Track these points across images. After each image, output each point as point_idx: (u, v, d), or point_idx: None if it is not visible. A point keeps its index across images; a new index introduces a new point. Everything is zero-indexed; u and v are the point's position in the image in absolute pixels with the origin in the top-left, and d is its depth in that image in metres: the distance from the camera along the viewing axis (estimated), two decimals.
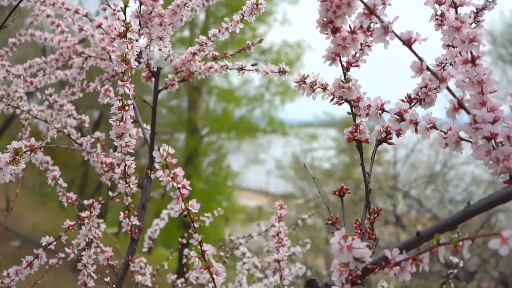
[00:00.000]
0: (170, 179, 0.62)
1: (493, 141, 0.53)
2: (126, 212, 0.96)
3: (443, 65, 0.70)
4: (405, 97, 0.70)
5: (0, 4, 1.21)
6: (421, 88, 0.69)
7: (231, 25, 0.92)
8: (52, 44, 1.25)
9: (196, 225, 0.65)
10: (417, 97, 0.69)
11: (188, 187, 0.63)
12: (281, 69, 0.84)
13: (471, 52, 0.54)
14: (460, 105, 0.52)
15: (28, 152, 0.67)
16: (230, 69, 0.99)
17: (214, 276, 0.65)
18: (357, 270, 0.55)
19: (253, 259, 1.38)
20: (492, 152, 0.51)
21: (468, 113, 0.51)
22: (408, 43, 0.51)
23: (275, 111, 12.14)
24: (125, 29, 0.72)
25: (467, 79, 0.55)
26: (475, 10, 0.72)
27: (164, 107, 11.88)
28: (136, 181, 0.91)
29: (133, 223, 0.97)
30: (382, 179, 7.85)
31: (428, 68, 0.51)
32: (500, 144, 0.52)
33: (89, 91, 1.20)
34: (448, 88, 0.52)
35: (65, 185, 1.11)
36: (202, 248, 0.66)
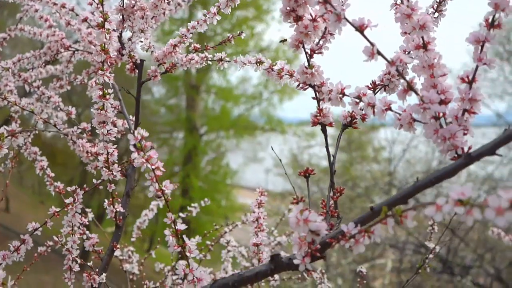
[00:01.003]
0: (145, 161, 0.66)
1: (443, 120, 0.56)
2: (110, 199, 1.00)
3: (406, 52, 0.73)
4: (370, 84, 0.73)
5: None
6: (385, 74, 0.72)
7: (208, 17, 0.95)
8: (40, 39, 1.29)
9: (166, 204, 0.68)
10: (381, 83, 0.73)
11: (162, 169, 0.67)
12: (258, 60, 0.88)
13: (422, 38, 0.57)
14: (409, 87, 0.55)
15: (9, 137, 0.70)
16: (210, 60, 1.02)
17: (188, 254, 0.69)
18: (317, 245, 0.58)
19: (240, 248, 1.42)
20: (440, 130, 0.55)
21: (417, 94, 0.55)
22: (360, 29, 0.55)
23: (273, 110, 12.18)
24: (103, 19, 0.75)
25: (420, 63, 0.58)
26: (438, 0, 0.76)
27: (162, 106, 11.92)
28: (119, 169, 0.95)
29: (117, 210, 1.01)
30: (379, 176, 7.89)
31: (378, 52, 0.54)
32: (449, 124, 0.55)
33: (77, 83, 1.24)
34: (398, 71, 0.55)
35: (52, 174, 1.14)
36: (176, 227, 0.69)
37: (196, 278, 0.68)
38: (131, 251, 1.34)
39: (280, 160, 1.07)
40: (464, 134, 0.55)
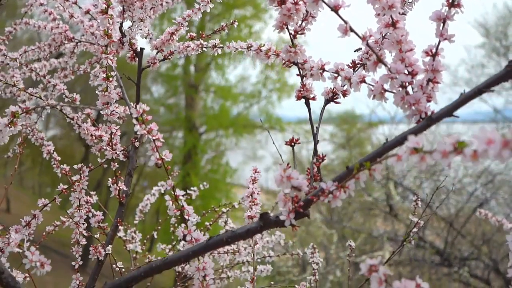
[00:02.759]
0: (146, 132, 0.73)
1: (410, 89, 0.64)
2: (114, 178, 1.07)
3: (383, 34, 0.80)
4: (350, 62, 0.81)
5: None
6: (363, 54, 0.79)
7: (202, 5, 1.02)
8: (45, 31, 1.36)
9: (166, 171, 0.75)
10: (361, 62, 0.80)
11: (162, 140, 0.74)
12: (249, 45, 0.95)
13: (391, 17, 0.65)
14: (378, 59, 0.62)
15: (24, 114, 0.78)
16: (205, 47, 1.09)
17: (186, 217, 0.76)
18: (300, 202, 0.66)
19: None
20: (406, 97, 0.62)
21: (386, 65, 0.62)
22: (335, 9, 0.62)
23: (272, 108, 12.25)
24: (106, 6, 0.82)
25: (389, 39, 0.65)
26: None
27: (161, 105, 11.98)
28: (122, 148, 1.02)
29: (121, 188, 1.08)
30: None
31: (351, 29, 0.61)
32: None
33: (80, 73, 1.31)
34: (368, 45, 0.62)
35: (59, 158, 1.21)
36: (175, 193, 0.76)
37: (194, 238, 0.75)
38: (134, 231, 1.42)
39: (281, 155, 1.12)
40: (428, 101, 0.62)
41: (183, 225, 0.77)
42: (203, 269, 0.74)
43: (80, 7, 1.20)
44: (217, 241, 0.70)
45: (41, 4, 1.32)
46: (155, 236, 1.57)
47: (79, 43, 1.31)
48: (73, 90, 1.25)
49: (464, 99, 0.57)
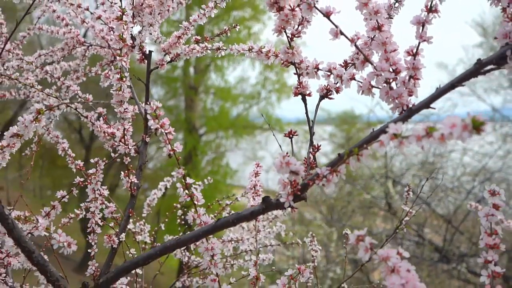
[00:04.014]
0: (159, 126, 0.81)
1: (393, 85, 0.72)
2: (126, 171, 1.15)
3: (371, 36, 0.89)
4: (343, 62, 0.89)
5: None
6: (353, 54, 0.88)
7: (207, 11, 1.11)
8: (57, 36, 1.44)
9: (176, 161, 0.84)
10: (352, 62, 0.88)
11: (173, 133, 0.83)
12: (250, 47, 1.03)
13: (377, 21, 0.73)
14: (366, 59, 0.71)
15: (48, 110, 0.86)
16: (209, 49, 1.18)
17: (196, 202, 0.84)
18: (298, 186, 0.74)
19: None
20: (390, 92, 0.70)
21: (372, 64, 0.71)
22: (327, 15, 0.70)
23: (272, 109, 12.34)
24: (121, 13, 0.90)
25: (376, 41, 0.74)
26: None
27: (162, 107, 12.05)
28: (134, 143, 1.11)
29: (132, 181, 1.16)
30: (376, 170, 8.05)
31: (341, 33, 0.70)
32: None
33: (92, 75, 1.39)
34: (356, 46, 0.71)
35: (73, 154, 1.30)
36: (186, 181, 0.85)
37: (203, 221, 0.84)
38: (144, 223, 1.50)
39: (281, 147, 1.21)
40: (410, 95, 0.71)
41: (193, 209, 0.85)
42: (212, 249, 0.83)
43: (92, 13, 1.29)
44: (224, 222, 0.79)
45: (54, 11, 1.40)
46: (163, 228, 1.65)
47: (90, 47, 1.40)
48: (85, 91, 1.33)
49: (440, 93, 0.66)
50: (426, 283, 6.25)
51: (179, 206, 1.57)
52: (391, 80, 0.71)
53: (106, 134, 1.19)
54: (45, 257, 0.92)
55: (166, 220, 1.68)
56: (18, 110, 8.65)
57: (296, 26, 0.81)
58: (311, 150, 0.82)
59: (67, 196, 1.12)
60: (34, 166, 1.36)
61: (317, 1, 0.73)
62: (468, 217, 6.22)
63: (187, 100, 11.73)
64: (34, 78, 1.50)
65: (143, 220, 1.52)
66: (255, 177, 1.17)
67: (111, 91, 0.99)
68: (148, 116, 0.81)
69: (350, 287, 1.89)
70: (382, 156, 8.98)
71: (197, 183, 1.69)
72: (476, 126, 0.47)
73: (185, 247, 1.56)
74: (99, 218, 1.09)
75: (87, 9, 1.31)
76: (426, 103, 0.66)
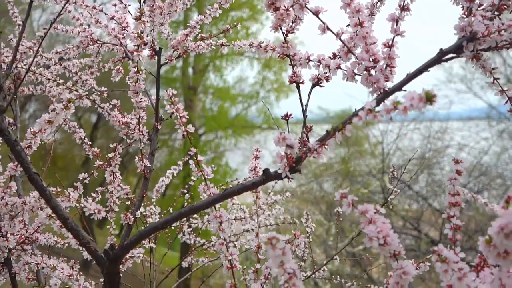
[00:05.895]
0: (174, 111, 0.95)
1: (372, 72, 0.85)
2: (140, 156, 1.29)
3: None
4: (332, 54, 1.02)
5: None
6: (340, 47, 1.01)
7: (212, 11, 1.24)
8: (72, 35, 1.57)
9: (189, 141, 0.97)
10: (339, 54, 1.02)
11: (186, 116, 0.96)
12: (251, 43, 1.16)
13: (358, 18, 0.86)
14: (348, 50, 0.84)
15: (78, 99, 0.99)
16: (213, 46, 1.31)
17: (206, 176, 0.98)
18: (293, 159, 0.87)
19: (242, 206, 1.71)
20: (369, 78, 0.84)
21: (354, 54, 0.84)
22: (316, 13, 0.84)
23: (270, 108, 12.47)
24: (140, 14, 1.03)
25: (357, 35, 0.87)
26: None
27: (161, 107, 12.19)
28: (147, 130, 1.24)
29: (145, 164, 1.30)
30: (374, 166, 8.21)
31: (328, 28, 0.83)
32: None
33: (105, 70, 1.53)
34: (341, 40, 0.84)
35: (89, 143, 1.43)
36: (197, 158, 0.98)
37: (212, 193, 0.97)
38: (154, 205, 1.63)
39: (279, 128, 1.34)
40: (386, 81, 0.84)
41: (203, 183, 0.99)
42: (220, 217, 0.96)
43: (106, 14, 1.42)
44: (230, 191, 0.92)
45: (69, 12, 1.54)
46: (171, 211, 1.78)
47: (103, 45, 1.53)
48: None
49: (410, 77, 0.79)
50: (423, 276, 6.39)
51: (185, 191, 1.70)
52: (370, 68, 0.84)
53: (121, 123, 1.32)
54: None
55: (174, 204, 1.81)
56: (20, 111, 8.76)
57: (291, 24, 0.94)
58: (304, 130, 0.96)
59: (88, 178, 1.25)
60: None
61: (308, 2, 0.87)
62: (463, 210, 6.37)
63: (186, 100, 11.85)
64: (50, 74, 1.63)
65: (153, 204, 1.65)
66: (255, 160, 1.30)
67: (128, 83, 1.12)
68: (165, 102, 0.94)
69: (351, 285, 2.02)
70: (380, 153, 9.13)
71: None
72: (429, 98, 0.60)
73: (192, 229, 1.70)
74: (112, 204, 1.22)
75: (101, 10, 1.44)
76: (398, 87, 0.80)
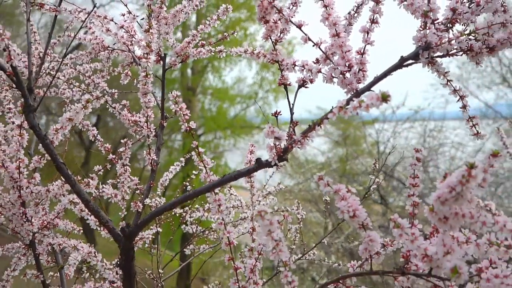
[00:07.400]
0: (178, 110, 1.10)
1: (347, 75, 1.01)
2: (148, 150, 1.44)
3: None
4: (315, 59, 1.18)
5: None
6: (321, 55, 1.17)
7: (211, 21, 1.40)
8: (84, 42, 1.73)
9: (192, 136, 1.12)
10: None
11: (189, 114, 1.12)
12: (245, 50, 1.32)
13: (335, 30, 1.02)
14: (326, 57, 1.00)
15: (95, 100, 1.15)
16: (213, 52, 1.47)
17: (206, 165, 1.13)
18: (281, 149, 1.03)
19: (239, 197, 1.86)
20: (344, 80, 1.00)
21: (331, 61, 1.00)
22: (299, 26, 1.00)
23: (269, 108, 12.62)
24: (149, 26, 1.19)
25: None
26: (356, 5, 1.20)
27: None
28: (155, 127, 1.39)
29: (153, 158, 1.45)
30: (370, 166, 8.37)
31: (309, 39, 0.99)
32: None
33: (115, 74, 1.68)
34: (320, 48, 1.00)
35: (102, 140, 1.59)
36: (199, 150, 1.14)
37: (211, 180, 1.13)
38: (159, 196, 1.79)
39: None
40: (358, 82, 1.00)
41: (204, 171, 1.14)
42: (219, 200, 1.12)
43: (116, 23, 1.58)
44: (228, 177, 1.08)
45: (83, 21, 1.69)
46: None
47: (113, 51, 1.69)
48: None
49: (376, 80, 0.95)
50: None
51: (188, 184, 1.86)
52: (345, 72, 1.00)
53: (130, 122, 1.48)
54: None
55: (178, 195, 1.95)
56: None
57: (279, 34, 1.10)
58: (291, 125, 1.12)
59: (101, 170, 1.41)
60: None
61: (293, 16, 1.03)
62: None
63: (185, 101, 11.93)
64: (63, 77, 1.79)
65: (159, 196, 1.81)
66: (250, 154, 1.46)
67: (137, 85, 1.28)
68: (170, 102, 1.10)
69: (352, 284, 2.17)
70: (377, 152, 9.29)
71: (194, 172, 2.00)
72: (384, 98, 0.76)
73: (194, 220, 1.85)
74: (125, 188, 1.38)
75: (112, 20, 1.60)
76: (367, 88, 0.96)
